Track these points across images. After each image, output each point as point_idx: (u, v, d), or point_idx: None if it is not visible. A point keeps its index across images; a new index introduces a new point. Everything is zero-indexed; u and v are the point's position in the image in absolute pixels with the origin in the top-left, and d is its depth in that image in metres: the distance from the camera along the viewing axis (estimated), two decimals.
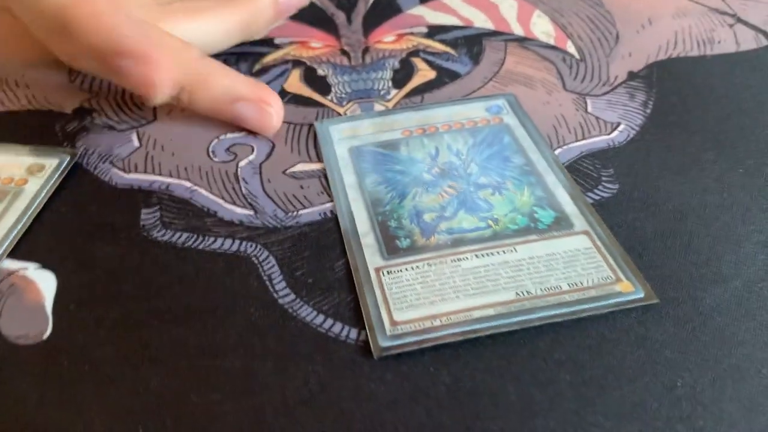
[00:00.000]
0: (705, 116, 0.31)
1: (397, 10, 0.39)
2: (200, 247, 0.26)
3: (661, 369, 0.21)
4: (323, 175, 0.29)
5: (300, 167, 0.29)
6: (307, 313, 0.23)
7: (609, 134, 0.30)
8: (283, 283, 0.24)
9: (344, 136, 0.30)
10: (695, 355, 0.22)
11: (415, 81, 0.34)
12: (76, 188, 0.28)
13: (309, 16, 0.38)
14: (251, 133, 0.31)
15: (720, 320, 0.23)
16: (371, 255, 0.25)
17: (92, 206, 0.27)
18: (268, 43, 0.37)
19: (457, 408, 0.20)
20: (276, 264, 0.25)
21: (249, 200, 0.27)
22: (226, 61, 0.35)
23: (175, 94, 0.29)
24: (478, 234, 0.25)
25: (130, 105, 0.33)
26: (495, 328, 0.22)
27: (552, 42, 0.37)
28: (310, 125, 0.31)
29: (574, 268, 0.24)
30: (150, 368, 0.22)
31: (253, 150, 0.30)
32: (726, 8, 0.39)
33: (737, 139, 0.30)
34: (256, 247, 0.26)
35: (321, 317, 0.23)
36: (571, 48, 0.36)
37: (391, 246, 0.25)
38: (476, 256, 0.24)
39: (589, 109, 0.32)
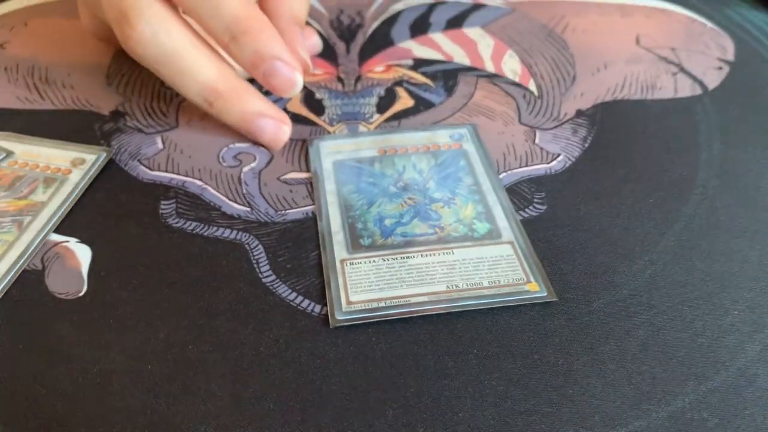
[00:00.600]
0: (633, 153, 0.37)
1: (390, 43, 0.46)
2: (205, 234, 0.32)
3: (549, 351, 0.28)
4: (309, 183, 0.35)
5: (291, 175, 0.36)
6: (283, 290, 0.30)
7: (548, 163, 0.37)
8: (268, 266, 0.31)
9: (330, 152, 0.37)
10: (578, 342, 0.28)
11: (396, 107, 0.40)
12: (110, 180, 0.35)
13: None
14: (255, 144, 0.37)
15: (604, 318, 0.29)
16: (339, 249, 0.31)
17: (122, 195, 0.34)
18: None
19: (387, 367, 0.27)
20: (263, 251, 0.31)
21: (247, 199, 0.34)
22: None
23: (210, 100, 0.35)
24: (426, 238, 0.32)
25: (158, 112, 0.39)
26: (425, 311, 0.28)
27: (517, 79, 0.43)
28: (304, 141, 0.38)
29: (495, 270, 0.30)
30: (160, 323, 0.28)
31: (255, 158, 0.36)
32: (674, 58, 0.45)
33: (655, 175, 0.36)
34: (249, 236, 0.32)
35: (294, 294, 0.30)
36: (532, 86, 0.42)
37: (355, 243, 0.32)
38: (421, 255, 0.31)
39: (536, 140, 0.38)
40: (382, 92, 0.41)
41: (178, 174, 0.35)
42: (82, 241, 0.32)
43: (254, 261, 0.31)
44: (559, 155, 0.37)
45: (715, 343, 0.28)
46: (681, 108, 0.41)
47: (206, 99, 0.35)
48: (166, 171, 0.36)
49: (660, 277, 0.31)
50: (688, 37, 0.47)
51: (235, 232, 0.32)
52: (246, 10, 0.33)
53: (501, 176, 0.36)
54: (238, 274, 0.30)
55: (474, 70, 0.43)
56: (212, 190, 0.34)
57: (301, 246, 0.32)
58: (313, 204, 0.34)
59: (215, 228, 0.32)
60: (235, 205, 0.34)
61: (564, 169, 0.36)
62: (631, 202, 0.34)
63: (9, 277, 0.30)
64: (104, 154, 0.36)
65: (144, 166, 0.36)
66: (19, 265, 0.31)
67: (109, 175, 0.35)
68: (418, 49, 0.45)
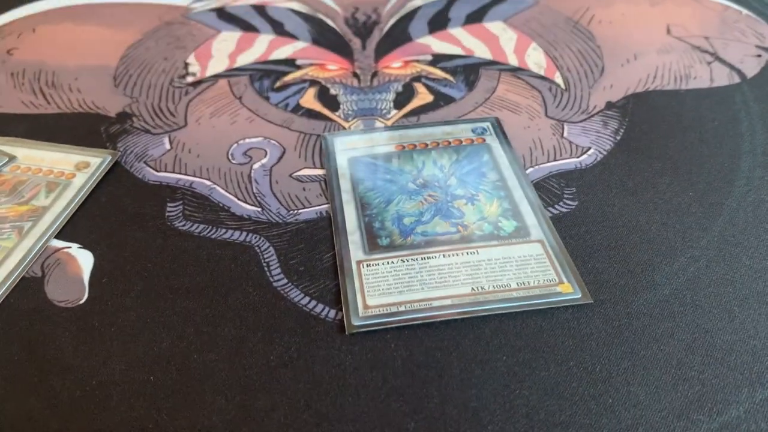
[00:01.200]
0: (668, 144, 0.35)
1: (407, 39, 0.44)
2: (213, 236, 0.30)
3: (585, 356, 0.25)
4: (324, 180, 0.33)
5: (305, 171, 0.34)
6: (295, 294, 0.28)
7: (578, 157, 0.34)
8: (279, 269, 0.29)
9: (346, 148, 0.35)
10: (616, 347, 0.25)
11: (414, 103, 0.38)
12: (115, 183, 0.33)
13: (329, 42, 0.43)
14: (266, 138, 0.35)
15: (644, 320, 0.26)
16: (355, 250, 0.29)
17: (127, 199, 0.33)
18: (290, 63, 0.42)
19: (408, 376, 0.25)
20: (275, 253, 0.29)
21: (258, 198, 0.32)
22: (251, 77, 0.40)
23: None
24: (448, 237, 0.30)
25: (166, 111, 0.38)
26: (449, 316, 0.26)
27: (542, 72, 0.41)
28: (318, 136, 0.36)
29: (524, 270, 0.28)
30: (163, 331, 0.26)
31: (266, 154, 0.35)
32: (708, 47, 0.42)
33: (692, 166, 0.33)
34: (259, 238, 0.30)
35: (307, 299, 0.28)
36: (558, 79, 0.40)
37: (372, 243, 0.29)
38: (443, 255, 0.29)
39: (565, 134, 0.36)
40: (400, 88, 0.39)
41: (186, 174, 0.34)
42: (85, 246, 0.30)
43: (265, 264, 0.29)
44: (589, 149, 0.35)
45: None
46: (718, 97, 0.38)
47: None
48: (174, 172, 0.34)
49: (704, 274, 0.28)
50: (722, 24, 0.44)
51: (244, 233, 0.30)
52: None
53: (528, 171, 0.33)
54: (247, 278, 0.28)
55: (496, 64, 0.41)
56: (221, 190, 0.33)
57: (314, 247, 0.30)
58: (328, 203, 0.32)
59: (224, 230, 0.31)
60: (245, 206, 0.32)
61: (595, 163, 0.34)
62: (669, 197, 0.32)
63: (7, 285, 0.28)
64: (109, 157, 0.35)
65: (150, 167, 0.34)
66: (18, 272, 0.29)
67: (115, 177, 0.34)
68: (437, 44, 0.43)
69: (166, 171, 0.34)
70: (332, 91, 0.39)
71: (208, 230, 0.31)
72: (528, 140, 0.35)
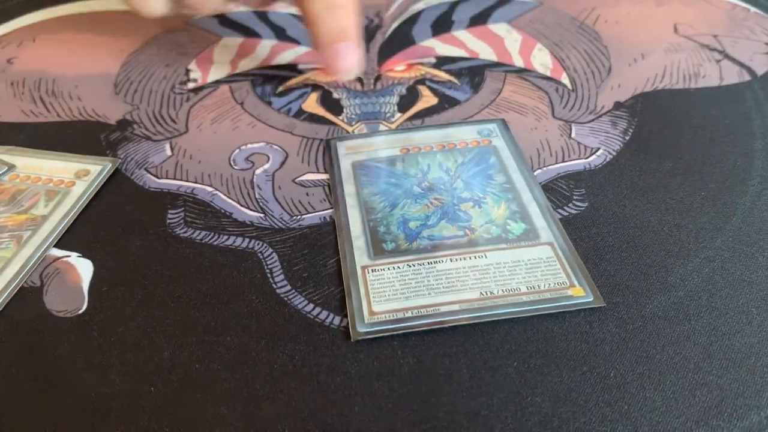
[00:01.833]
0: (679, 144, 0.34)
1: (411, 42, 0.43)
2: (215, 243, 0.30)
3: (599, 361, 0.24)
4: (327, 185, 0.32)
5: (308, 176, 0.33)
6: (299, 301, 0.27)
7: (587, 158, 0.33)
8: (282, 276, 0.28)
9: (349, 152, 0.34)
10: (631, 351, 0.25)
11: (419, 106, 0.37)
12: (115, 190, 0.33)
13: None
14: (268, 143, 0.35)
15: (659, 323, 0.26)
16: (360, 255, 0.28)
17: (127, 206, 0.32)
18: (292, 68, 0.41)
19: (416, 384, 0.24)
20: (278, 260, 0.29)
21: (260, 204, 0.32)
22: (253, 82, 0.40)
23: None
24: (455, 241, 0.29)
25: (167, 118, 0.37)
26: (457, 321, 0.25)
27: (548, 73, 0.40)
28: (321, 140, 0.35)
29: (534, 273, 0.27)
30: (164, 341, 0.26)
31: (268, 159, 0.34)
32: (716, 45, 0.42)
33: (704, 166, 0.33)
34: (262, 244, 0.30)
35: (311, 306, 0.27)
36: (565, 79, 0.39)
37: (377, 248, 0.29)
38: (450, 260, 0.28)
39: (573, 134, 0.35)
40: (404, 91, 0.39)
41: (187, 181, 0.33)
42: (84, 255, 0.30)
43: (268, 271, 0.28)
44: (598, 149, 0.34)
45: None
46: (729, 95, 0.37)
47: (331, 5, 0.34)
48: (175, 178, 0.33)
49: (719, 275, 0.27)
50: (730, 22, 0.44)
51: (247, 240, 0.30)
52: None
53: (536, 173, 0.33)
54: (250, 285, 0.28)
55: (501, 66, 0.41)
56: (223, 196, 0.32)
57: (318, 253, 0.29)
58: (331, 208, 0.31)
59: (226, 236, 0.30)
60: (248, 211, 0.31)
61: (604, 164, 0.33)
62: (681, 196, 0.31)
63: (5, 296, 0.28)
64: (109, 165, 0.34)
65: (151, 174, 0.34)
66: (16, 282, 0.28)
67: (115, 185, 0.33)
68: (440, 47, 0.43)
69: (167, 178, 0.33)
70: (335, 95, 0.39)
71: (210, 237, 0.30)
72: (535, 142, 0.35)
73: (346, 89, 0.39)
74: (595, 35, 0.43)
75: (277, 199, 0.32)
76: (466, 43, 0.43)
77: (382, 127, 0.36)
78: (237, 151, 0.35)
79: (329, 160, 0.34)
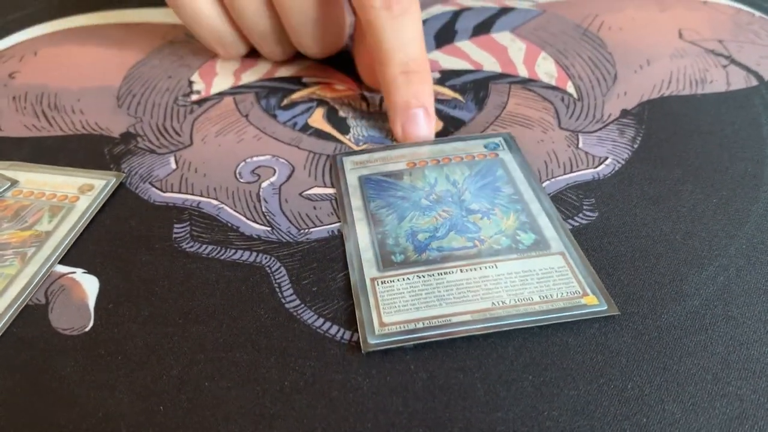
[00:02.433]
0: (688, 151, 0.34)
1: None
2: (222, 257, 0.29)
3: (615, 373, 0.24)
4: (334, 199, 0.32)
5: (315, 190, 0.33)
6: (309, 316, 0.27)
7: (596, 167, 0.33)
8: (291, 290, 0.28)
9: (355, 166, 0.34)
10: (647, 362, 0.24)
11: None
12: (120, 205, 0.33)
13: (335, 60, 0.42)
14: (274, 156, 0.34)
15: (675, 333, 0.25)
16: (369, 267, 0.28)
17: (132, 221, 0.32)
18: (296, 81, 0.41)
19: (429, 399, 0.23)
20: (286, 274, 0.28)
21: (267, 218, 0.31)
22: (257, 94, 0.39)
23: (409, 71, 0.35)
24: (465, 252, 0.28)
25: (171, 131, 0.37)
26: (469, 332, 0.25)
27: (553, 82, 0.40)
28: (328, 156, 0.35)
29: (546, 283, 0.27)
30: (172, 358, 0.25)
31: (275, 172, 0.34)
32: (722, 50, 0.41)
33: (715, 173, 0.32)
34: (270, 258, 0.29)
35: (321, 320, 0.26)
36: (570, 88, 0.39)
37: (386, 260, 0.28)
38: (460, 270, 0.28)
39: (580, 145, 0.35)
40: None
41: (193, 194, 0.33)
42: (89, 271, 0.29)
43: (276, 285, 0.28)
44: (606, 158, 0.34)
45: None
46: (736, 101, 0.37)
47: (406, 70, 0.34)
48: (180, 192, 0.33)
49: (735, 284, 0.27)
50: (735, 27, 0.43)
51: (254, 254, 0.29)
52: (426, 56, 0.35)
53: (544, 184, 0.32)
54: (258, 300, 0.27)
55: (506, 77, 0.40)
56: (229, 210, 0.32)
57: (327, 267, 0.29)
58: (339, 221, 0.31)
59: (233, 251, 0.30)
60: (255, 225, 0.31)
61: (613, 173, 0.33)
62: (692, 204, 0.31)
63: (10, 314, 0.27)
64: (113, 179, 0.34)
65: (156, 188, 0.33)
66: (21, 300, 0.28)
67: (119, 200, 0.33)
68: (444, 59, 0.42)
69: (172, 191, 0.33)
70: (341, 113, 0.38)
71: (216, 251, 0.30)
72: (542, 154, 0.34)
73: (352, 108, 0.39)
74: (600, 42, 0.43)
75: (284, 213, 0.31)
76: (470, 54, 0.43)
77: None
78: (243, 163, 0.34)
79: (336, 175, 0.33)
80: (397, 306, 0.26)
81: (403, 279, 0.27)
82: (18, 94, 0.41)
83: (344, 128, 0.37)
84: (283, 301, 0.27)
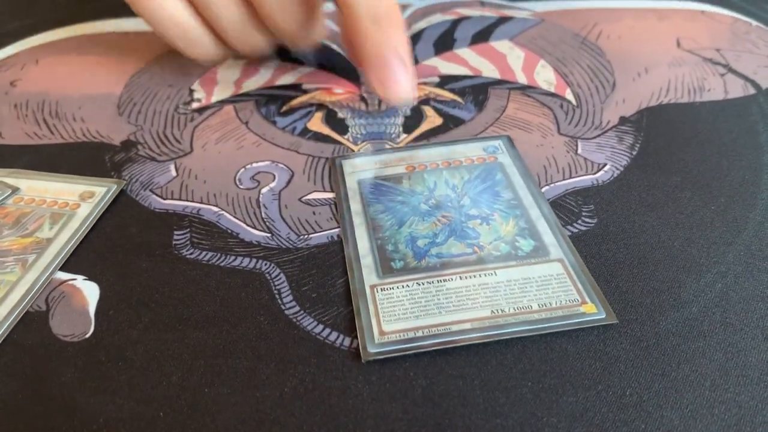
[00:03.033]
0: (686, 158, 0.34)
1: (413, 62, 0.43)
2: (222, 264, 0.29)
3: (614, 380, 0.24)
4: (333, 203, 0.32)
5: (314, 195, 0.33)
6: (308, 322, 0.27)
7: (594, 173, 0.33)
8: (290, 297, 0.28)
9: (355, 170, 0.34)
10: (646, 369, 0.24)
11: (423, 127, 0.37)
12: (120, 212, 0.33)
13: (336, 66, 0.43)
14: (274, 162, 0.35)
15: (673, 340, 0.25)
16: (368, 274, 0.28)
17: (132, 228, 0.32)
18: (296, 88, 0.41)
19: (429, 406, 0.23)
20: (286, 280, 0.29)
21: (267, 224, 0.31)
22: (257, 102, 0.40)
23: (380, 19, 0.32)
24: (464, 258, 0.29)
25: (171, 138, 0.37)
26: (469, 340, 0.25)
27: (552, 90, 0.40)
28: (327, 159, 0.35)
29: (545, 291, 0.27)
30: (172, 365, 0.25)
31: (274, 177, 0.34)
32: (720, 59, 0.42)
33: (713, 180, 0.33)
34: (270, 265, 0.29)
35: (320, 327, 0.27)
36: (569, 95, 0.39)
37: (386, 266, 0.28)
38: (460, 277, 0.28)
39: (579, 150, 0.35)
40: (408, 111, 0.39)
41: (193, 201, 0.33)
42: (90, 278, 0.29)
43: (276, 291, 0.28)
44: (605, 165, 0.34)
45: None
46: (734, 109, 0.37)
47: (376, 15, 0.32)
48: (180, 199, 0.33)
49: (733, 291, 0.27)
50: (733, 36, 0.44)
51: (254, 260, 0.29)
52: (398, 7, 0.32)
53: (543, 190, 0.32)
54: (258, 306, 0.27)
55: (505, 83, 0.41)
56: (229, 216, 0.32)
57: (326, 273, 0.29)
58: (339, 227, 0.31)
59: (233, 257, 0.30)
60: (255, 231, 0.31)
61: (612, 179, 0.33)
62: (691, 211, 0.31)
63: (11, 320, 0.28)
64: (114, 186, 0.34)
65: (156, 195, 0.33)
66: (22, 306, 0.28)
67: (120, 207, 0.33)
68: (443, 65, 0.43)
69: (172, 198, 0.33)
70: (340, 115, 0.38)
71: (216, 258, 0.30)
72: (542, 158, 0.34)
73: (351, 109, 0.39)
74: (598, 50, 0.43)
75: (283, 219, 0.31)
76: (469, 60, 0.43)
77: (387, 147, 0.36)
78: (242, 170, 0.34)
79: (335, 179, 0.33)
80: (397, 314, 0.26)
81: (403, 286, 0.27)
82: (19, 102, 0.41)
83: (342, 129, 0.37)
84: (283, 307, 0.27)
